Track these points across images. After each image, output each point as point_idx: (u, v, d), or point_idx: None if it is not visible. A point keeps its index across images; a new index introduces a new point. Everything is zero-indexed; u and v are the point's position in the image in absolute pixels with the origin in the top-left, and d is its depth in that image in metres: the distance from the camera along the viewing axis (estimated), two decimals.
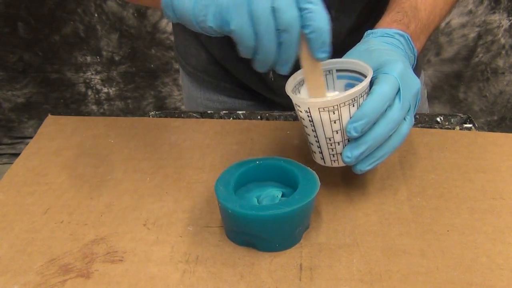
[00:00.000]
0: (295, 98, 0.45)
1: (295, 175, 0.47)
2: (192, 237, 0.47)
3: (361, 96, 0.43)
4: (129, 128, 0.64)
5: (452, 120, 0.65)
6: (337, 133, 0.44)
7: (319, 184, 0.45)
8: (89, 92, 1.85)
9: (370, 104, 0.42)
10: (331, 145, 0.45)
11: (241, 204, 0.43)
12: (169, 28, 1.68)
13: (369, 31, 0.51)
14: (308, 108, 0.44)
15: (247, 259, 0.44)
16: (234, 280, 0.42)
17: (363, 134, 0.43)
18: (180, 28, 0.76)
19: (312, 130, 0.45)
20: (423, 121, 0.65)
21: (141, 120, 0.65)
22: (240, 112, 0.68)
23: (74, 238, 0.47)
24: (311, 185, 0.45)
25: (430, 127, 0.64)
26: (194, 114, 0.69)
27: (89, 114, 1.88)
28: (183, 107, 1.85)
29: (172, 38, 1.70)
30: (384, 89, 0.42)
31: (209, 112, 0.69)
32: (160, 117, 0.68)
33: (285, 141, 0.60)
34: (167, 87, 1.82)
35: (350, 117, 0.43)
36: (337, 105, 0.43)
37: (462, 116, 0.65)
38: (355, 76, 0.47)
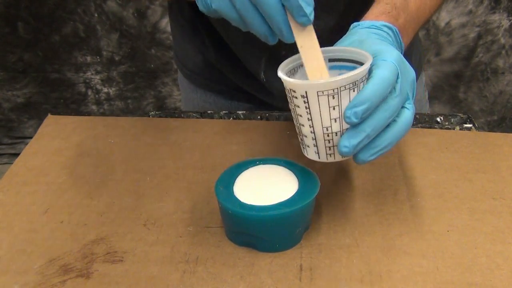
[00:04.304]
0: (290, 82, 0.40)
1: (295, 176, 0.47)
2: (192, 237, 0.47)
3: (362, 81, 0.40)
4: (129, 128, 0.64)
5: (452, 120, 0.65)
6: (335, 121, 0.40)
7: (319, 184, 0.45)
8: (89, 92, 1.85)
9: (372, 88, 0.39)
10: (328, 135, 0.41)
11: (241, 204, 0.43)
12: (169, 28, 1.68)
13: (355, 23, 0.49)
14: (306, 92, 0.39)
15: (247, 260, 0.44)
16: (234, 280, 0.42)
17: (361, 121, 0.40)
18: (178, 30, 0.76)
19: (308, 119, 0.41)
20: (423, 121, 0.65)
21: (141, 120, 0.65)
22: (240, 112, 0.68)
23: (74, 238, 0.47)
24: (311, 186, 0.45)
25: (430, 127, 0.64)
26: (194, 114, 0.69)
27: (89, 114, 1.88)
28: (183, 107, 1.85)
29: (172, 38, 1.70)
30: (385, 73, 0.40)
31: (209, 112, 0.69)
32: (160, 117, 0.68)
33: (285, 141, 0.60)
34: (167, 87, 1.82)
35: None
36: (338, 89, 0.39)
37: (462, 116, 0.65)
38: (350, 65, 0.43)
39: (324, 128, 0.41)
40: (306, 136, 0.43)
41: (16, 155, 0.63)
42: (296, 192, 0.45)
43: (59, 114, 0.67)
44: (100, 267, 0.44)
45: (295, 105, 0.42)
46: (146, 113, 0.78)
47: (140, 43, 1.72)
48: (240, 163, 0.49)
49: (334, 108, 0.40)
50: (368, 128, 0.39)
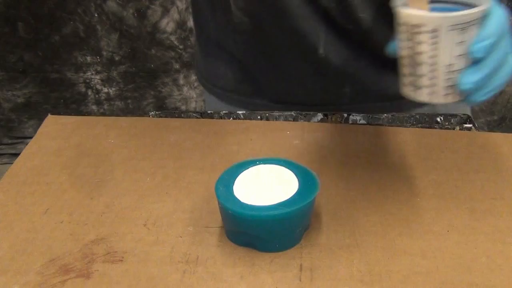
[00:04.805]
0: (418, 16, 0.38)
1: (295, 176, 0.47)
2: (192, 237, 0.47)
3: (483, 19, 0.39)
4: (129, 128, 0.64)
5: (452, 120, 0.65)
6: (459, 58, 0.39)
7: (319, 184, 0.45)
8: (89, 92, 1.85)
9: (497, 23, 0.39)
10: (448, 74, 0.40)
11: (241, 204, 0.43)
12: (169, 28, 1.68)
13: None
14: (436, 26, 0.38)
15: (247, 260, 0.44)
16: (234, 280, 0.42)
17: (483, 57, 0.39)
18: (204, 50, 0.74)
19: (431, 56, 0.39)
20: (423, 121, 0.65)
21: (141, 120, 0.65)
22: (240, 112, 0.68)
23: (74, 238, 0.47)
24: (311, 186, 0.45)
25: (430, 127, 0.64)
26: (194, 114, 0.69)
27: (89, 114, 1.88)
28: (183, 107, 1.85)
29: (172, 38, 1.70)
30: (503, 12, 0.40)
31: (209, 112, 0.69)
32: (160, 117, 0.68)
33: (285, 141, 0.60)
34: (167, 87, 1.82)
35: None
36: (467, 23, 0.37)
37: (462, 116, 0.65)
38: (452, 7, 0.41)
39: (447, 66, 0.40)
40: (423, 75, 0.41)
41: (16, 155, 0.63)
42: (296, 192, 0.45)
43: (59, 114, 0.67)
44: (100, 267, 0.44)
45: (415, 42, 0.39)
46: (146, 113, 0.77)
47: (140, 43, 1.72)
48: (240, 163, 0.49)
49: (460, 44, 0.39)
50: (491, 63, 0.39)
